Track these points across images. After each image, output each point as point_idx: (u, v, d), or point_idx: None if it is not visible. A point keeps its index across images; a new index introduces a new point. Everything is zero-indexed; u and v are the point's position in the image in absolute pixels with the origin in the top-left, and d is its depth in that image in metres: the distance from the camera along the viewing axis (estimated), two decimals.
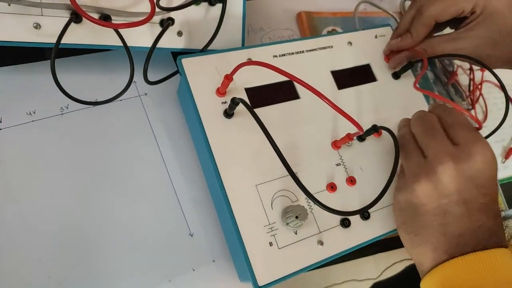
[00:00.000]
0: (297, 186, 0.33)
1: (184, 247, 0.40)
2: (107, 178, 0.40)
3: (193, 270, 0.39)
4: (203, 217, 0.42)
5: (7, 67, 0.41)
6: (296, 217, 0.36)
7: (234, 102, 0.36)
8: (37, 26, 0.35)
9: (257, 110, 0.41)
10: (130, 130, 0.43)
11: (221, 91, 0.40)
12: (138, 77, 0.41)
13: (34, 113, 0.40)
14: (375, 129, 0.41)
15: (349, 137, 0.40)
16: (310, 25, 0.58)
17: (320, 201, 0.34)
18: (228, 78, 0.37)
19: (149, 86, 0.44)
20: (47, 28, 0.36)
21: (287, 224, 0.37)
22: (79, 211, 0.38)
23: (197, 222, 0.42)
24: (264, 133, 0.33)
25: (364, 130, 0.40)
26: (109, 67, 0.45)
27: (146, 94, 0.45)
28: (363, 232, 0.40)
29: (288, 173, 0.33)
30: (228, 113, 0.39)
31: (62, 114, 0.41)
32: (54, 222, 0.37)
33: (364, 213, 0.40)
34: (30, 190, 0.37)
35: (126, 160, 0.41)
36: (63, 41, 0.35)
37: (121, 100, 0.44)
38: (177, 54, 0.41)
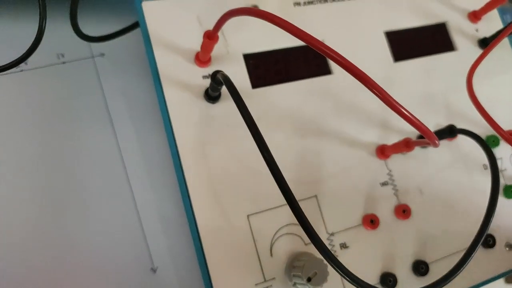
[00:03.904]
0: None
1: None
2: (39, 177, 0.27)
3: None
4: (174, 244, 0.28)
5: None
6: (309, 280, 0.21)
7: (215, 79, 0.21)
8: None
9: (263, 90, 0.26)
10: (73, 106, 0.29)
11: (202, 58, 0.25)
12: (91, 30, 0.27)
13: None
14: (451, 132, 0.25)
15: (407, 145, 0.25)
16: None
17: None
18: (210, 36, 0.22)
19: (108, 44, 0.30)
20: None
21: (295, 284, 0.23)
22: None
23: (165, 251, 0.28)
24: (250, 129, 0.19)
25: (433, 131, 0.24)
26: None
27: (103, 54, 0.31)
28: None
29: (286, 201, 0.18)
30: (211, 96, 0.24)
31: None
32: None
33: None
34: None
35: (64, 152, 0.28)
36: None
37: (64, 62, 0.30)
38: None
